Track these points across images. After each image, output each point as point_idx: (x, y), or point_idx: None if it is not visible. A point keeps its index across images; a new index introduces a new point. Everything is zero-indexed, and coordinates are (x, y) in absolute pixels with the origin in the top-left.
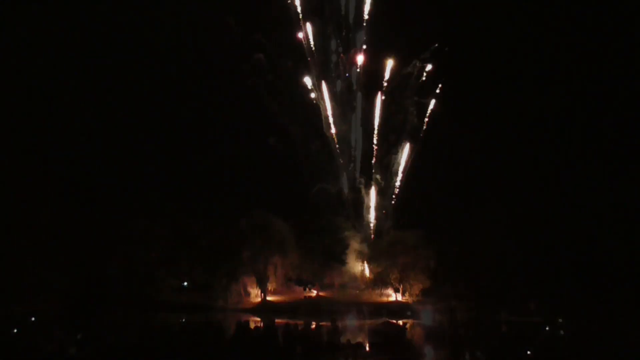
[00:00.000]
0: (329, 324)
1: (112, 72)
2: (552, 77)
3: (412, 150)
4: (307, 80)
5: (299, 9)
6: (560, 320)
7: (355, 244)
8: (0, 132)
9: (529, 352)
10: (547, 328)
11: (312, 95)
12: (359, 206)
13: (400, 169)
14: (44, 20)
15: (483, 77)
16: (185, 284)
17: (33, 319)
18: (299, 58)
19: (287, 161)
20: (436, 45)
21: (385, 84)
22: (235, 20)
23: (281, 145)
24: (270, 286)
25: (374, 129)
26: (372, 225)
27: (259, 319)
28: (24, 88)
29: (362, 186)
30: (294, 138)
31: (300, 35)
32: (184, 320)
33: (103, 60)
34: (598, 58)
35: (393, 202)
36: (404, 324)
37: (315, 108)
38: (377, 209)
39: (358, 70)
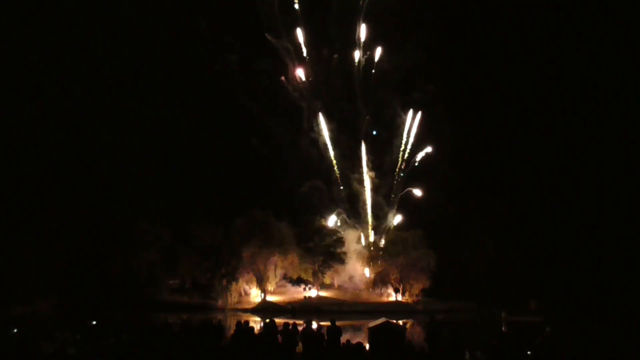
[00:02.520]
0: (329, 324)
1: (105, 74)
2: (552, 76)
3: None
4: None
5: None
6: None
7: (354, 244)
8: (1, 132)
9: (529, 352)
10: (547, 328)
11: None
12: (355, 204)
13: (397, 166)
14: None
15: (483, 77)
16: (186, 284)
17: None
18: (278, 57)
19: (276, 160)
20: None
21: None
22: (205, 21)
23: (264, 145)
24: (270, 286)
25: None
26: (371, 224)
27: (259, 319)
28: (21, 88)
29: (354, 182)
30: (278, 137)
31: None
32: (184, 320)
33: (100, 60)
34: (598, 57)
35: (392, 200)
36: (404, 323)
37: (298, 107)
38: (375, 207)
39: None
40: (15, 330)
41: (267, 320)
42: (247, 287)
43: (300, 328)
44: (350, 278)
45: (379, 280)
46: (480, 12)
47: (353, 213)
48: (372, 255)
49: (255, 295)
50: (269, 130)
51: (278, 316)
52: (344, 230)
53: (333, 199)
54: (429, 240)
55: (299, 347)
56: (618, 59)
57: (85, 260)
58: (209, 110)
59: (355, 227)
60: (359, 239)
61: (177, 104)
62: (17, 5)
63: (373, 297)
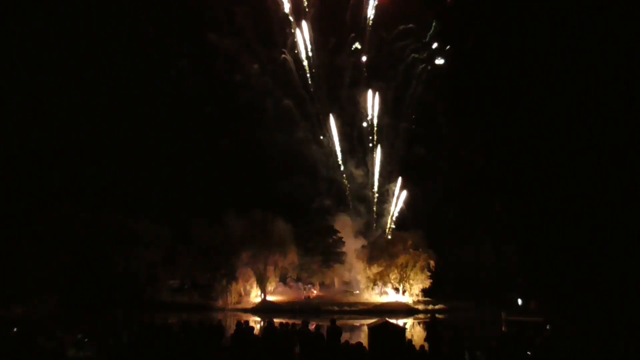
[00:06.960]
0: (329, 324)
1: (104, 75)
2: (552, 77)
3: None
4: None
5: None
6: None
7: (355, 243)
8: (2, 132)
9: (529, 352)
10: (547, 327)
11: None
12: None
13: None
14: None
15: (484, 78)
16: (186, 284)
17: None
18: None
19: (270, 160)
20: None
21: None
22: (151, 23)
23: (233, 146)
24: (270, 286)
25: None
26: (372, 224)
27: (258, 319)
28: (22, 89)
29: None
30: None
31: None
32: (184, 320)
33: (99, 61)
34: (598, 58)
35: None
36: (404, 323)
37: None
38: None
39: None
40: (15, 330)
41: (268, 321)
42: (247, 287)
43: (298, 328)
44: (351, 278)
45: (379, 280)
46: (481, 12)
47: (346, 204)
48: (372, 255)
49: (255, 295)
50: (235, 131)
51: (278, 316)
52: (336, 217)
53: (320, 192)
54: (429, 240)
55: (298, 347)
56: (618, 60)
57: (86, 260)
58: (208, 110)
59: (346, 213)
60: (359, 237)
61: (176, 104)
62: None
63: (373, 297)
